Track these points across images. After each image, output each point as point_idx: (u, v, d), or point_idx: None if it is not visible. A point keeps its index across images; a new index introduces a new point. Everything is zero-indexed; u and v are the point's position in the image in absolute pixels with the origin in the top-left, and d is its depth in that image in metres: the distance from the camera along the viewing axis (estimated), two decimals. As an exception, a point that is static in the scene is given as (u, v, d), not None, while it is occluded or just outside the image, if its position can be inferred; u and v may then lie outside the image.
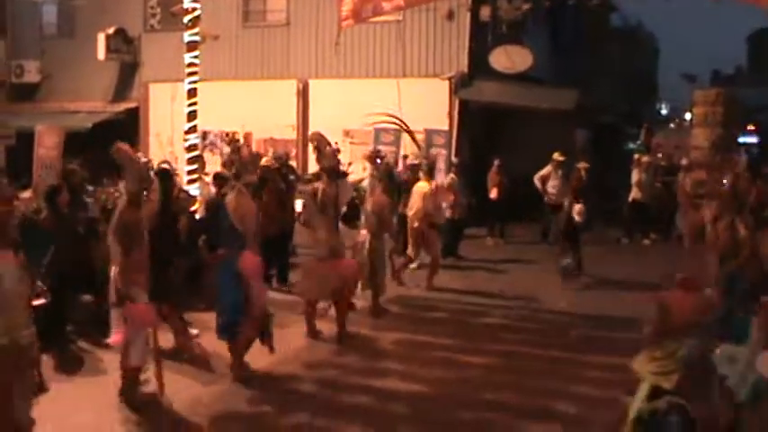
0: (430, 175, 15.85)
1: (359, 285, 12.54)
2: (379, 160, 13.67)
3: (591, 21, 31.28)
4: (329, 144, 11.60)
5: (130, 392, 8.63)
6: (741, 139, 43.33)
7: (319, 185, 11.46)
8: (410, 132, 18.36)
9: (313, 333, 11.66)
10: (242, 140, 12.44)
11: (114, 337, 9.28)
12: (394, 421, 8.63)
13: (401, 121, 17.36)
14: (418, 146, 18.86)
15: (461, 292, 14.99)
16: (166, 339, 10.08)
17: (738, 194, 10.12)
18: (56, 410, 7.80)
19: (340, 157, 11.91)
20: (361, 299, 13.04)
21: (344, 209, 12.71)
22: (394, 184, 14.11)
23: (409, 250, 15.77)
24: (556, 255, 16.49)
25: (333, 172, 11.53)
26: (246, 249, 9.66)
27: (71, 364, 9.84)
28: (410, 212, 15.40)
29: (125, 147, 8.64)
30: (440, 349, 11.29)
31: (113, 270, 8.82)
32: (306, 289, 11.78)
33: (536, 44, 24.92)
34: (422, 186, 15.46)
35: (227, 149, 12.79)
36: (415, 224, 15.29)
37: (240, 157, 10.45)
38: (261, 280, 10.04)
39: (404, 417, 8.73)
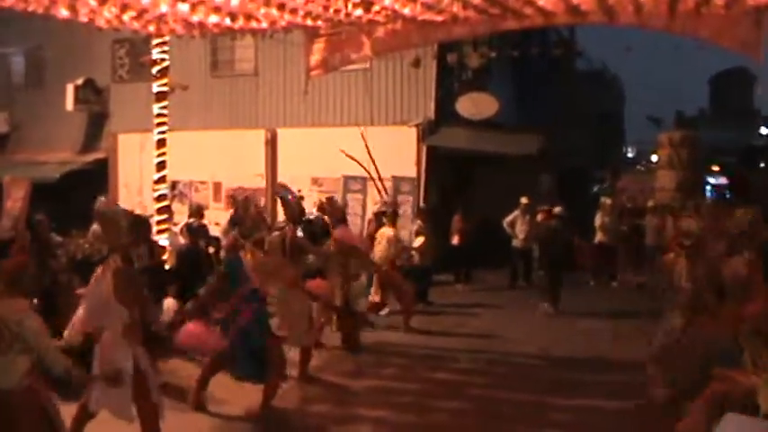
0: (394, 220, 16.14)
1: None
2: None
3: (556, 66, 31.63)
4: (292, 194, 11.82)
5: None
6: (712, 181, 43.95)
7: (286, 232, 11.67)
8: (380, 179, 18.54)
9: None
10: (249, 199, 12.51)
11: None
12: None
13: (374, 168, 17.47)
14: (384, 192, 19.03)
15: (432, 337, 15.05)
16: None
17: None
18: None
19: (304, 204, 12.16)
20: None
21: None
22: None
23: (376, 296, 15.92)
24: (535, 297, 16.75)
25: (297, 220, 11.86)
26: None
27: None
28: (376, 258, 15.58)
29: (108, 200, 8.61)
30: (409, 394, 11.33)
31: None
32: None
33: (501, 90, 25.20)
34: (386, 231, 15.78)
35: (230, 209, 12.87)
36: (384, 268, 15.51)
37: (249, 216, 10.61)
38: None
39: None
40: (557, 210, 18.15)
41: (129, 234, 8.35)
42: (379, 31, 13.85)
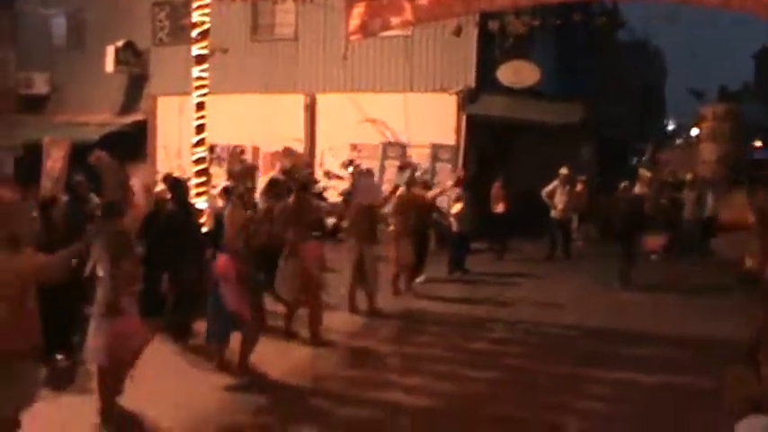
0: (410, 184, 16.08)
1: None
2: (351, 168, 13.90)
3: (598, 36, 31.29)
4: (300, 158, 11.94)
5: (111, 406, 8.45)
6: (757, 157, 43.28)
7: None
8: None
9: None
10: (245, 154, 12.57)
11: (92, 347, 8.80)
12: (399, 435, 8.64)
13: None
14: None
15: (468, 305, 14.97)
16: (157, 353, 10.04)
17: None
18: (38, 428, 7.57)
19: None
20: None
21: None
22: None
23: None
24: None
25: (305, 186, 12.29)
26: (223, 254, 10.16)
27: (61, 380, 9.56)
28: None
29: (103, 155, 8.60)
30: (445, 363, 11.28)
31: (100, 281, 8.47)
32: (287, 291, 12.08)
33: (543, 59, 24.95)
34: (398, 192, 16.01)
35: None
36: (390, 228, 15.75)
37: (237, 169, 10.68)
38: (235, 282, 10.09)
39: (409, 431, 8.73)
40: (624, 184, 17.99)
41: (119, 191, 8.47)
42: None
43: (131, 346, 8.35)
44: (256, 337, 10.33)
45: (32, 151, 21.00)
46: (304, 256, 11.92)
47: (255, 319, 10.26)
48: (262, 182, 13.86)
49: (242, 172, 10.95)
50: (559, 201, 20.20)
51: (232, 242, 10.23)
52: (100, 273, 8.35)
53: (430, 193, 16.53)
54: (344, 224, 15.40)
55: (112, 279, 8.24)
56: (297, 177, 11.04)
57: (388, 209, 15.91)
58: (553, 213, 20.35)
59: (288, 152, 12.48)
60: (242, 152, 11.37)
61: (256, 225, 11.24)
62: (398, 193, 15.74)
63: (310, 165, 12.12)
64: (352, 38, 15.36)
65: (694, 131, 36.32)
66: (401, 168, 15.48)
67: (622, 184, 17.98)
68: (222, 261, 10.23)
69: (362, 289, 13.82)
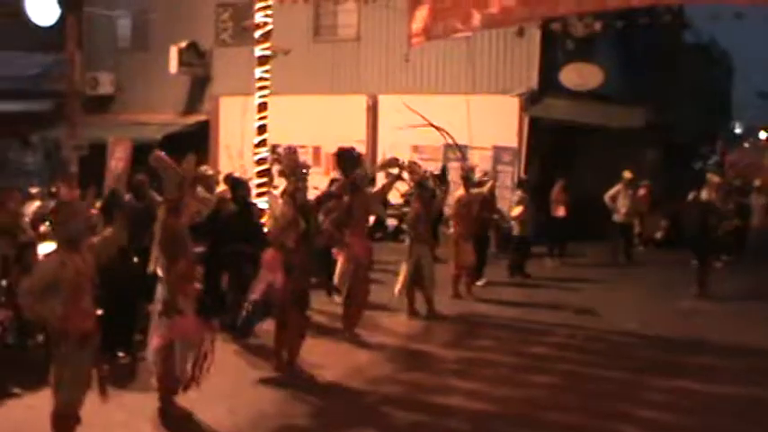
0: (465, 185, 15.86)
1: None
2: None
3: (663, 38, 30.89)
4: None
5: (169, 405, 8.55)
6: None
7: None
8: (457, 146, 18.29)
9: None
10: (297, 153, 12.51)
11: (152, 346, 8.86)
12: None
13: (437, 128, 17.11)
14: (459, 151, 18.79)
15: (528, 310, 14.86)
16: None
17: None
18: (99, 421, 7.76)
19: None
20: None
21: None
22: (427, 192, 14.23)
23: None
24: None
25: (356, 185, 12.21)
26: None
27: (122, 378, 9.59)
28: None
29: (162, 155, 8.65)
30: (504, 367, 11.19)
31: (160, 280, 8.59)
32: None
33: (607, 61, 24.70)
34: (456, 193, 15.85)
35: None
36: (451, 230, 15.62)
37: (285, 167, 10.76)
38: (279, 274, 10.13)
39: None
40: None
41: (177, 190, 8.46)
42: (493, 7, 13.64)
43: (189, 346, 8.41)
44: (303, 333, 10.42)
45: (98, 150, 21.31)
46: (352, 253, 11.98)
47: (300, 315, 10.35)
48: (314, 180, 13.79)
49: (291, 169, 10.92)
50: (622, 205, 19.98)
51: (278, 236, 10.30)
52: (159, 272, 8.42)
53: (484, 188, 16.30)
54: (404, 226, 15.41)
55: (169, 278, 8.29)
56: (291, 177, 10.94)
57: (448, 211, 15.88)
58: (615, 217, 20.14)
59: (288, 151, 12.44)
60: (294, 151, 11.36)
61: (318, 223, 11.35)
62: (458, 195, 15.64)
63: (306, 165, 12.02)
64: (414, 41, 15.35)
65: (763, 135, 35.73)
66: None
67: (691, 194, 17.64)
68: (269, 254, 10.29)
69: (420, 292, 13.77)
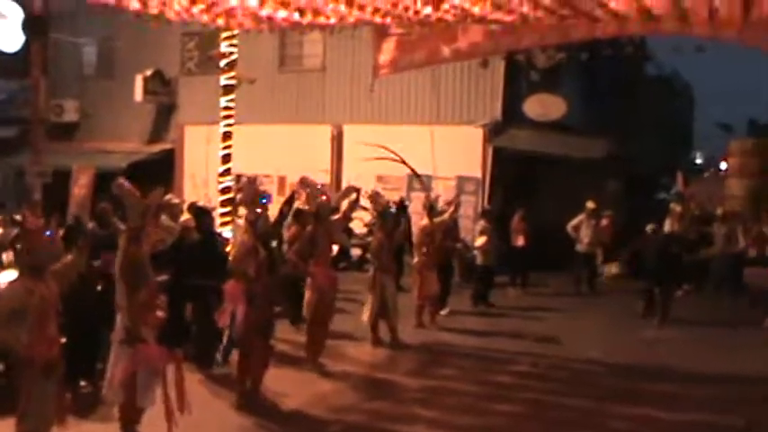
0: (429, 214, 15.97)
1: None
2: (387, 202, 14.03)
3: (626, 69, 31.22)
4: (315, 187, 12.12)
5: None
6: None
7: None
8: (417, 176, 18.47)
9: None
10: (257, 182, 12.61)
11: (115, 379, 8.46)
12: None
13: (401, 160, 17.23)
14: (420, 182, 18.96)
15: (492, 339, 14.92)
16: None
17: None
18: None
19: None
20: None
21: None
22: (390, 222, 14.38)
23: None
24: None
25: (320, 214, 12.36)
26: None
27: (83, 407, 9.50)
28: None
29: (124, 182, 8.64)
30: (467, 396, 11.22)
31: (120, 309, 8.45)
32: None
33: (570, 92, 24.95)
34: (422, 222, 15.95)
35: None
36: (416, 259, 15.59)
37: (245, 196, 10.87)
38: (243, 305, 10.18)
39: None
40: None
41: (139, 218, 8.42)
42: (461, 42, 13.81)
43: (153, 374, 8.38)
44: (267, 362, 10.44)
45: (61, 178, 21.24)
46: (317, 284, 12.07)
47: (264, 344, 10.38)
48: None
49: (250, 197, 11.00)
50: (585, 235, 20.15)
51: (238, 265, 10.32)
52: (119, 300, 8.39)
53: (446, 215, 16.35)
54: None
55: (131, 307, 8.26)
56: (251, 206, 11.03)
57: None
58: (578, 247, 20.29)
59: (304, 182, 12.68)
60: (254, 180, 11.48)
61: (281, 252, 11.36)
62: (422, 224, 15.74)
63: (326, 194, 12.25)
64: (381, 72, 15.44)
65: (723, 165, 36.11)
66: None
67: (650, 227, 17.82)
68: (230, 284, 10.34)
69: (385, 321, 13.81)
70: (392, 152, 16.68)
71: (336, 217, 13.21)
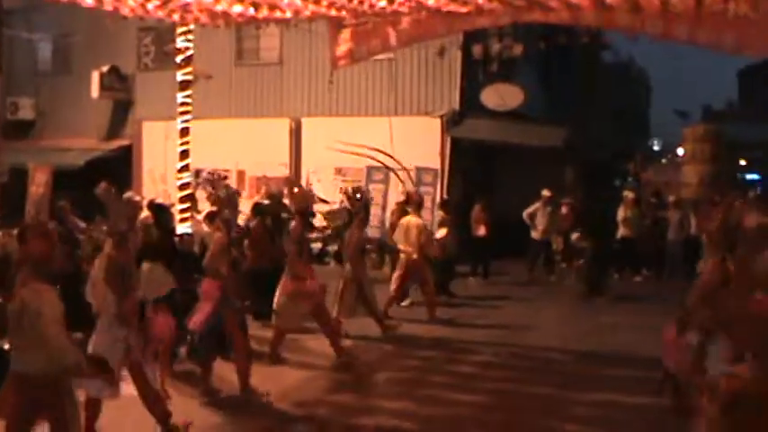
0: (418, 210, 16.06)
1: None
2: (358, 196, 13.97)
3: (583, 58, 31.48)
4: (300, 186, 12.10)
5: None
6: (748, 177, 43.37)
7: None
8: (403, 169, 18.57)
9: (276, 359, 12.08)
10: (229, 179, 12.66)
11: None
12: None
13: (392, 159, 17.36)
14: (410, 182, 19.06)
15: (454, 329, 15.03)
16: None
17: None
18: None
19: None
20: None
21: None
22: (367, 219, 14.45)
23: (393, 286, 15.83)
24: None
25: (305, 213, 12.34)
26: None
27: None
28: (403, 246, 15.61)
29: (109, 186, 8.58)
30: (431, 387, 11.30)
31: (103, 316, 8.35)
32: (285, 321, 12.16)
33: (527, 81, 25.10)
34: (413, 220, 15.73)
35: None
36: (414, 256, 15.52)
37: (219, 195, 10.83)
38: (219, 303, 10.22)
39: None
40: None
41: (125, 223, 8.40)
42: (404, 23, 13.82)
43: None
44: (250, 356, 10.50)
45: (18, 176, 21.05)
46: (313, 288, 12.08)
47: (244, 339, 10.44)
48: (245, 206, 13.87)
49: (226, 197, 11.01)
50: (540, 222, 20.37)
51: (213, 264, 10.31)
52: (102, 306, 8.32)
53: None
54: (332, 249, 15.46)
55: (122, 314, 8.20)
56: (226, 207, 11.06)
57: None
58: (533, 234, 20.50)
59: (291, 183, 12.72)
60: (225, 177, 11.46)
61: (245, 248, 11.32)
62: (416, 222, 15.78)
63: (312, 198, 12.36)
64: (340, 64, 15.45)
65: (680, 151, 36.50)
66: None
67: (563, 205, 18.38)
68: (206, 283, 10.35)
69: (366, 311, 13.83)
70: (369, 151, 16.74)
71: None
